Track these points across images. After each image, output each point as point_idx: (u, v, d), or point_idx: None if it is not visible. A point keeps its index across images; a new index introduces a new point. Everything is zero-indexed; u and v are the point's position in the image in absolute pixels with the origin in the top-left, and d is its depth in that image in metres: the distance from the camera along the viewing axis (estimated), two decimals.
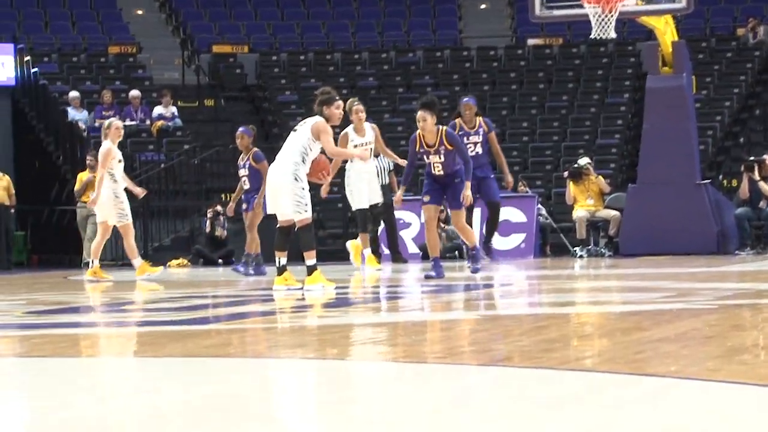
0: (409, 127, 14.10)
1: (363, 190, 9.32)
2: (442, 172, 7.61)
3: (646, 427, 2.25)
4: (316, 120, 6.66)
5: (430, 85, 16.95)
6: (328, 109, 6.66)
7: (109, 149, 8.97)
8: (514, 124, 16.40)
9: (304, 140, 6.64)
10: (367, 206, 9.39)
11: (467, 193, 7.69)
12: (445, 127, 7.67)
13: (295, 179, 6.57)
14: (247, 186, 9.24)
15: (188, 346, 3.89)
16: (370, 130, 9.30)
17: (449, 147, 7.53)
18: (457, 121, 9.39)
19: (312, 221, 6.69)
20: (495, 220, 9.55)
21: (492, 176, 9.46)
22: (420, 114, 7.53)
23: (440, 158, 7.55)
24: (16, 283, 9.36)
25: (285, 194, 6.62)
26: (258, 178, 8.95)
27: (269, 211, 7.66)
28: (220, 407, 2.62)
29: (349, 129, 9.30)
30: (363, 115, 9.30)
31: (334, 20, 18.96)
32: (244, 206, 9.31)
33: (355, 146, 9.10)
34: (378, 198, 9.44)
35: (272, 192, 6.80)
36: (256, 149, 9.29)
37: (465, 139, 9.34)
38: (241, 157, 9.37)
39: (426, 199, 7.75)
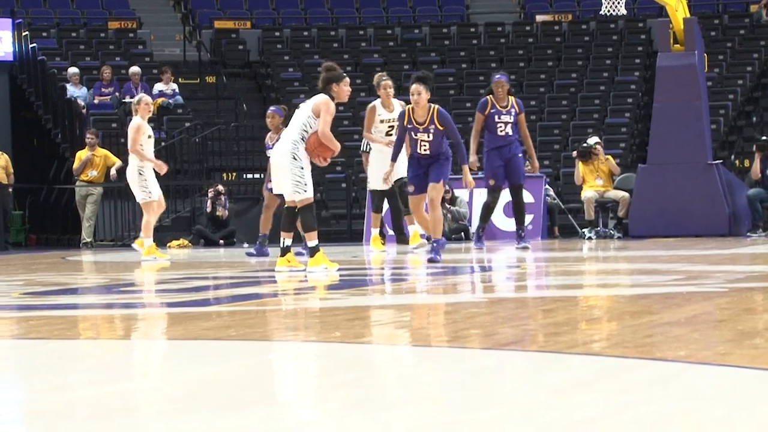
0: None
1: (382, 172, 8.98)
2: (428, 152, 7.40)
3: (655, 413, 2.19)
4: (320, 97, 6.47)
5: (436, 62, 16.79)
6: (336, 87, 6.41)
7: (140, 125, 8.87)
8: (522, 103, 16.20)
9: (304, 118, 6.48)
10: (383, 188, 9.06)
11: (469, 179, 7.52)
12: (437, 106, 7.47)
13: (294, 158, 6.40)
14: None
15: (189, 328, 3.86)
16: (399, 107, 9.03)
17: (440, 127, 7.34)
18: (489, 98, 9.15)
19: (313, 201, 6.55)
20: (519, 206, 9.25)
21: (520, 154, 9.14)
22: (414, 87, 7.35)
23: (428, 137, 7.34)
24: (14, 263, 9.30)
25: (285, 174, 6.50)
26: None
27: (275, 192, 7.56)
28: (220, 390, 2.58)
29: (377, 103, 9.08)
30: (391, 91, 9.09)
31: None
32: (270, 185, 9.14)
33: (382, 121, 8.96)
34: (404, 172, 8.80)
35: (275, 172, 6.69)
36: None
37: (496, 118, 9.10)
38: (269, 136, 9.21)
39: (411, 189, 7.59)
